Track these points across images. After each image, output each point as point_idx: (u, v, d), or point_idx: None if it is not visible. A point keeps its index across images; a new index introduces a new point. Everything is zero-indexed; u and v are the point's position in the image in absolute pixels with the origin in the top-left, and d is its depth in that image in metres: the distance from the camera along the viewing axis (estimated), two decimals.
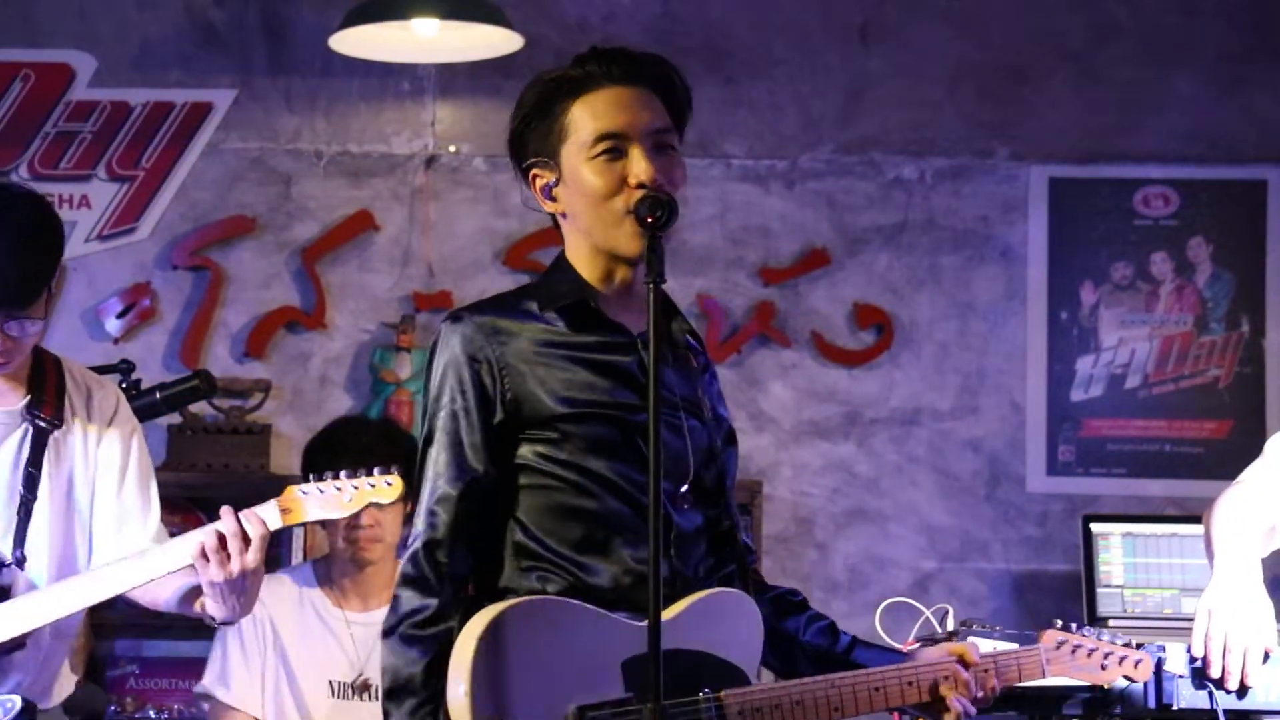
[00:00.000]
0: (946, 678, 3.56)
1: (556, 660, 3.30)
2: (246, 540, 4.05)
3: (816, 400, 6.77)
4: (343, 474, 4.16)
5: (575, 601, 3.34)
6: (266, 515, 4.12)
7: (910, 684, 3.56)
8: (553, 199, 3.49)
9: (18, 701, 4.16)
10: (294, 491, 4.16)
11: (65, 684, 4.40)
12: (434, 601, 3.36)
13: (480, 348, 3.39)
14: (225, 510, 4.09)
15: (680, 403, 3.51)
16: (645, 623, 3.12)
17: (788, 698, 3.49)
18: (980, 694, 3.58)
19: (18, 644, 4.14)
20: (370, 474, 4.15)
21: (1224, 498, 4.26)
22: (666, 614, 3.23)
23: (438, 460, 3.43)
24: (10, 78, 6.70)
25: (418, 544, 3.40)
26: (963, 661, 3.58)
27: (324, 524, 4.80)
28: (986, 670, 3.60)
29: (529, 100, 3.52)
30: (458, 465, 3.40)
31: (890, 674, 3.57)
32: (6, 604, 4.14)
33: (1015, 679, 3.71)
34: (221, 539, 4.02)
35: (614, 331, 3.44)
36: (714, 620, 3.44)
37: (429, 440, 3.45)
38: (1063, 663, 3.74)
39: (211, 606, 4.17)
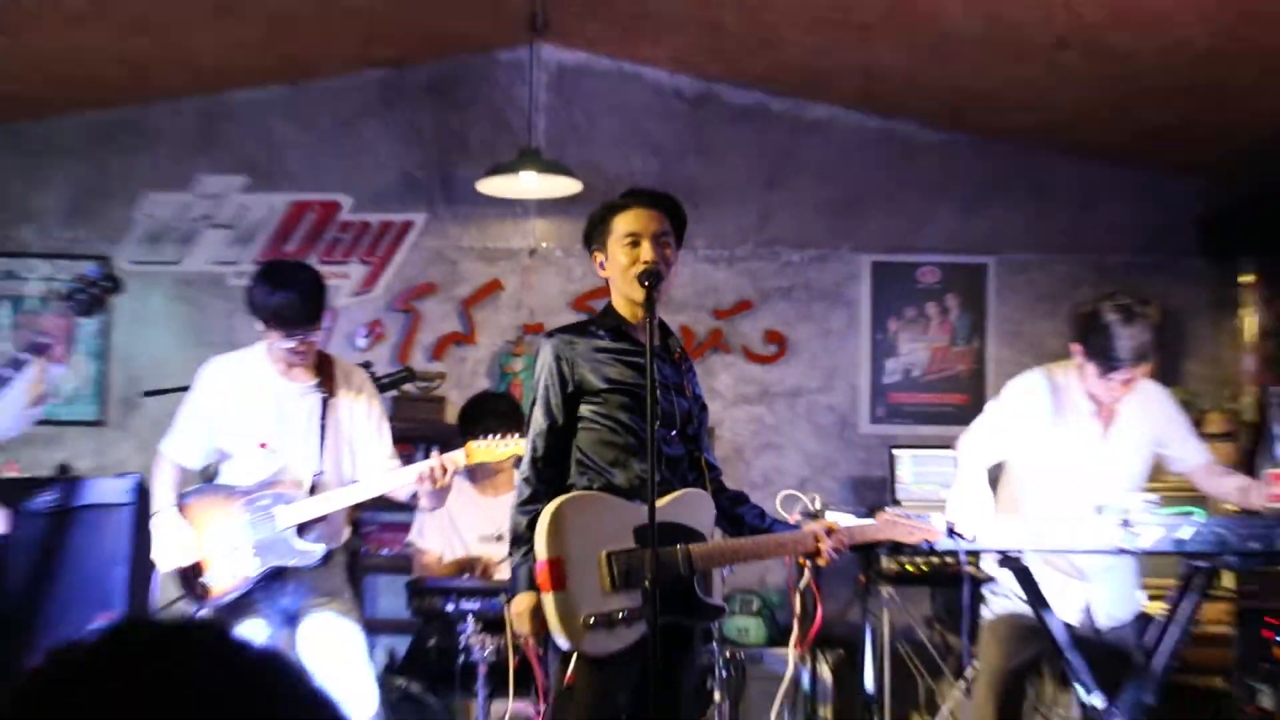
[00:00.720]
0: (818, 538, 3.58)
1: (595, 526, 3.39)
2: (445, 470, 4.20)
3: (744, 383, 6.79)
4: (498, 436, 4.22)
5: (607, 494, 3.46)
6: (457, 456, 4.23)
7: (800, 542, 3.61)
8: (603, 269, 3.59)
9: (321, 549, 4.24)
10: (472, 444, 4.25)
11: (344, 533, 4.48)
12: (533, 491, 3.49)
13: (562, 350, 3.52)
14: (435, 453, 4.22)
15: (671, 385, 3.59)
16: (643, 506, 3.25)
17: (729, 548, 3.56)
18: (840, 548, 3.63)
19: (322, 518, 4.26)
20: (513, 437, 4.20)
21: (964, 437, 4.30)
22: (660, 502, 3.31)
23: (538, 413, 3.53)
24: (307, 209, 6.75)
25: (527, 459, 3.51)
26: (830, 530, 3.61)
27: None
28: (843, 536, 3.63)
29: (595, 215, 3.65)
30: (548, 414, 3.51)
31: (788, 537, 3.65)
32: (318, 495, 4.23)
33: (861, 540, 3.74)
34: (433, 470, 4.17)
35: (636, 344, 3.51)
36: (686, 506, 3.51)
37: (534, 403, 3.54)
38: (888, 531, 3.76)
39: (424, 502, 4.34)
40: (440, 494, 4.33)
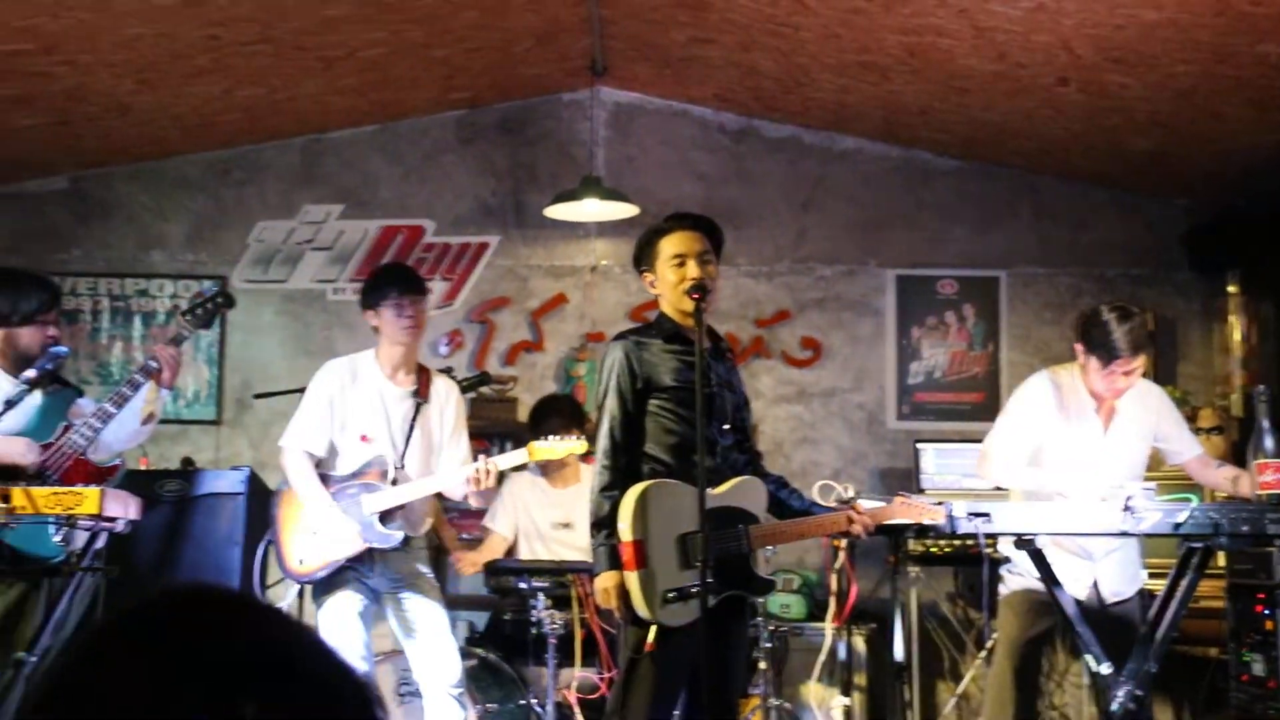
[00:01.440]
0: (851, 519, 3.59)
1: (669, 510, 3.35)
2: (489, 474, 4.16)
3: (784, 384, 6.74)
4: (556, 436, 4.22)
5: (675, 480, 3.43)
6: (520, 455, 4.23)
7: (835, 523, 3.61)
8: (653, 286, 3.59)
9: (402, 534, 4.24)
10: (534, 444, 4.23)
11: (425, 523, 4.48)
12: (612, 478, 3.43)
13: (631, 351, 3.49)
14: (481, 457, 4.21)
15: (723, 383, 3.57)
16: (709, 491, 3.26)
17: (780, 529, 3.56)
18: (867, 527, 3.63)
19: (401, 505, 4.26)
20: (571, 437, 4.21)
21: (992, 451, 4.22)
22: (719, 489, 3.36)
23: (612, 405, 3.47)
24: (396, 233, 6.77)
25: (605, 447, 3.46)
26: (857, 512, 3.61)
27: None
28: (868, 517, 3.63)
29: (643, 239, 3.63)
30: (622, 406, 3.46)
31: (826, 518, 3.64)
32: (399, 486, 4.24)
33: (883, 520, 3.71)
34: (478, 472, 4.15)
35: (690, 345, 3.47)
36: (742, 492, 3.51)
37: (606, 394, 3.48)
38: (905, 513, 3.73)
39: (472, 501, 4.33)
40: (485, 494, 4.33)
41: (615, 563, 3.36)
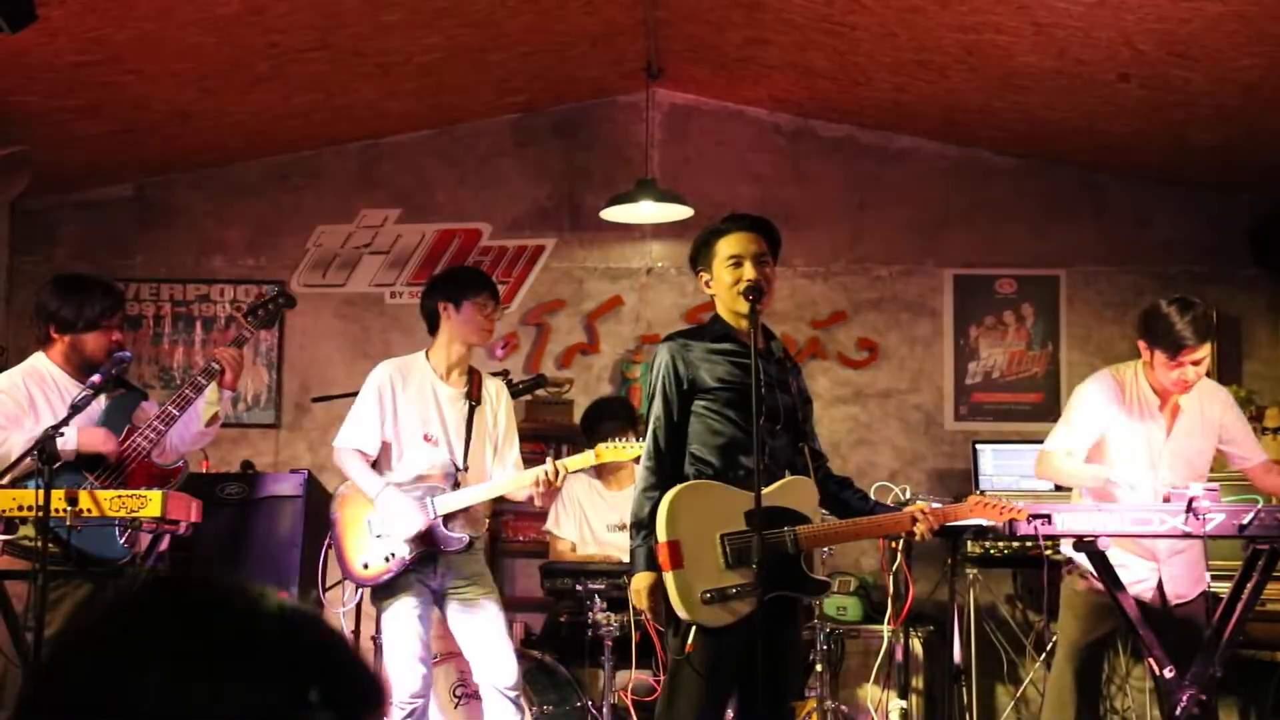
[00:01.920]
0: (915, 518, 3.54)
1: (709, 511, 3.34)
2: (557, 474, 4.20)
3: (840, 385, 6.70)
4: (622, 439, 4.24)
5: (719, 482, 3.40)
6: (585, 458, 4.27)
7: (899, 522, 3.58)
8: (709, 287, 3.58)
9: (468, 536, 4.28)
10: (601, 446, 4.25)
11: (483, 524, 4.53)
12: (655, 479, 3.43)
13: (677, 352, 3.48)
14: (549, 459, 4.23)
15: (775, 383, 3.54)
16: (756, 492, 3.26)
17: (831, 530, 3.53)
18: (931, 528, 3.56)
19: (465, 509, 4.29)
20: (632, 440, 4.24)
21: (1053, 451, 4.22)
22: (766, 490, 3.32)
23: (658, 407, 3.48)
24: (453, 237, 6.79)
25: (649, 448, 3.47)
26: (923, 511, 3.56)
27: None
28: (935, 516, 3.58)
29: (700, 240, 3.62)
30: (666, 408, 3.46)
31: (887, 517, 3.62)
32: (460, 490, 4.28)
33: (956, 519, 3.71)
34: (546, 474, 4.18)
35: (743, 346, 3.46)
36: (790, 492, 3.47)
37: (653, 397, 3.50)
38: (979, 512, 3.72)
39: (538, 502, 4.35)
40: (551, 494, 4.35)
41: (651, 564, 3.37)
